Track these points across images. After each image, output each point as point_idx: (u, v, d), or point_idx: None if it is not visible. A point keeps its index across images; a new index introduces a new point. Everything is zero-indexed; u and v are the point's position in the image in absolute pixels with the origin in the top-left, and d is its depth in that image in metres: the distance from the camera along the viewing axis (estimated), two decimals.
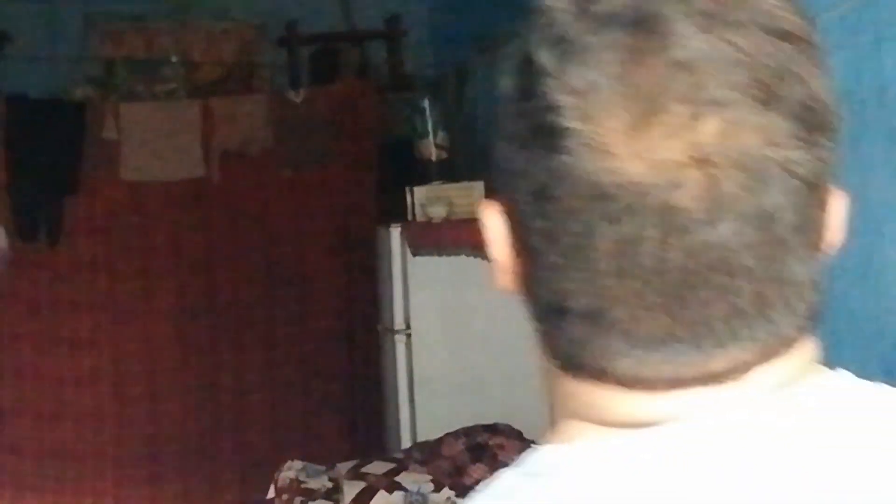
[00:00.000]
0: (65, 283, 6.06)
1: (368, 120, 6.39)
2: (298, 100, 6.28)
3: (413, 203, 5.12)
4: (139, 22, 7.82)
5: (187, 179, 6.12)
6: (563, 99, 0.69)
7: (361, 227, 6.06)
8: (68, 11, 7.80)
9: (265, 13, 7.78)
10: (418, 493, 4.11)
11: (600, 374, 0.73)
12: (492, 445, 4.37)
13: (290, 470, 4.35)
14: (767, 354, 0.72)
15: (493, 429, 4.51)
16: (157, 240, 6.13)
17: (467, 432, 4.49)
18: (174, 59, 7.65)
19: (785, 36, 0.70)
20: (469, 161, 5.95)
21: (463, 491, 3.97)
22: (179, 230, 6.14)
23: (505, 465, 0.76)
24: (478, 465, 4.25)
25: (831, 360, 0.78)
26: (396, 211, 5.37)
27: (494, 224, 0.77)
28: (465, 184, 5.18)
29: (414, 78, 7.60)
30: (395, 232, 5.03)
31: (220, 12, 7.85)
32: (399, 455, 4.52)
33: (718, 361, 0.71)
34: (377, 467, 4.30)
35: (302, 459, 4.46)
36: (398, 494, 4.11)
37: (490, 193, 0.78)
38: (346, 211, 6.25)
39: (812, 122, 0.70)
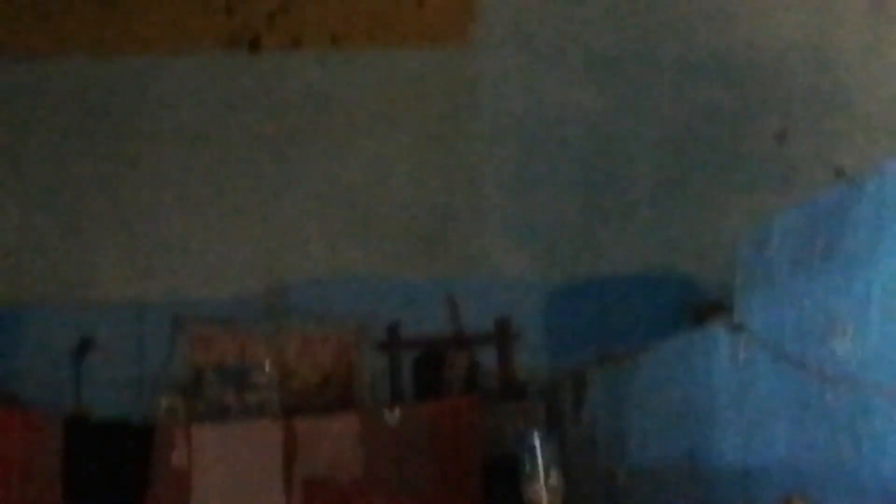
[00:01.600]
0: None
1: (473, 442, 5.70)
2: (394, 421, 5.59)
3: None
4: (231, 326, 7.37)
5: None
6: None
7: None
8: (156, 314, 7.44)
9: (365, 315, 7.31)
10: None
11: None
12: None
13: None
14: None
15: None
16: None
17: None
18: (267, 366, 7.15)
19: None
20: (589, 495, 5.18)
21: None
22: None
23: None
24: None
25: None
26: None
27: None
28: None
29: (526, 385, 7.03)
30: None
31: (318, 314, 7.39)
32: None
33: None
34: None
35: None
36: None
37: None
38: None
39: None
